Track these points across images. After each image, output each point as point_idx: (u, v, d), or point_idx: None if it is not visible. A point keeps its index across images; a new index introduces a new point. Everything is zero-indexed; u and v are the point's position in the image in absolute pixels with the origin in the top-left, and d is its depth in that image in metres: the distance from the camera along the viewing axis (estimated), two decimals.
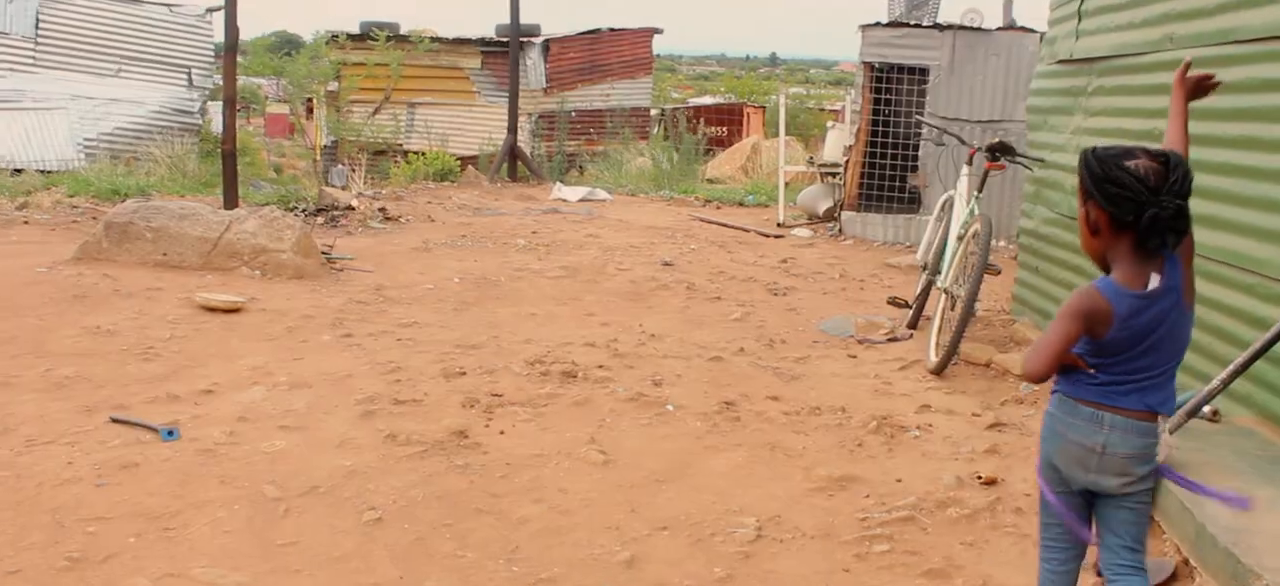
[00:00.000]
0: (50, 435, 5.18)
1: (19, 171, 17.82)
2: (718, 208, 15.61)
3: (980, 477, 4.98)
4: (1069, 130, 7.42)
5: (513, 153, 18.49)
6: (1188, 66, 3.23)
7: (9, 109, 19.81)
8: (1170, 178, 2.80)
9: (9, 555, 3.96)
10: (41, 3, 20.19)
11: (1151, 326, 2.91)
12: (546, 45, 24.32)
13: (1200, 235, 5.54)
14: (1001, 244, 11.14)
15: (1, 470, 4.71)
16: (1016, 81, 11.99)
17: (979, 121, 12.03)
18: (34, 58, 20.19)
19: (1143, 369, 2.95)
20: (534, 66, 23.97)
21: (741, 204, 15.94)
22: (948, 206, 8.05)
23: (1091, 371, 2.97)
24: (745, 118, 32.40)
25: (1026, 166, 7.79)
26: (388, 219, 12.81)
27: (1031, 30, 12.25)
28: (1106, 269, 2.94)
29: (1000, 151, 7.49)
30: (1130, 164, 2.82)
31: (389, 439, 5.25)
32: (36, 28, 20.14)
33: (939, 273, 7.58)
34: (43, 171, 18.02)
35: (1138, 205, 2.79)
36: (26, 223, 11.79)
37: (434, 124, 22.41)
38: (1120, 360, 2.94)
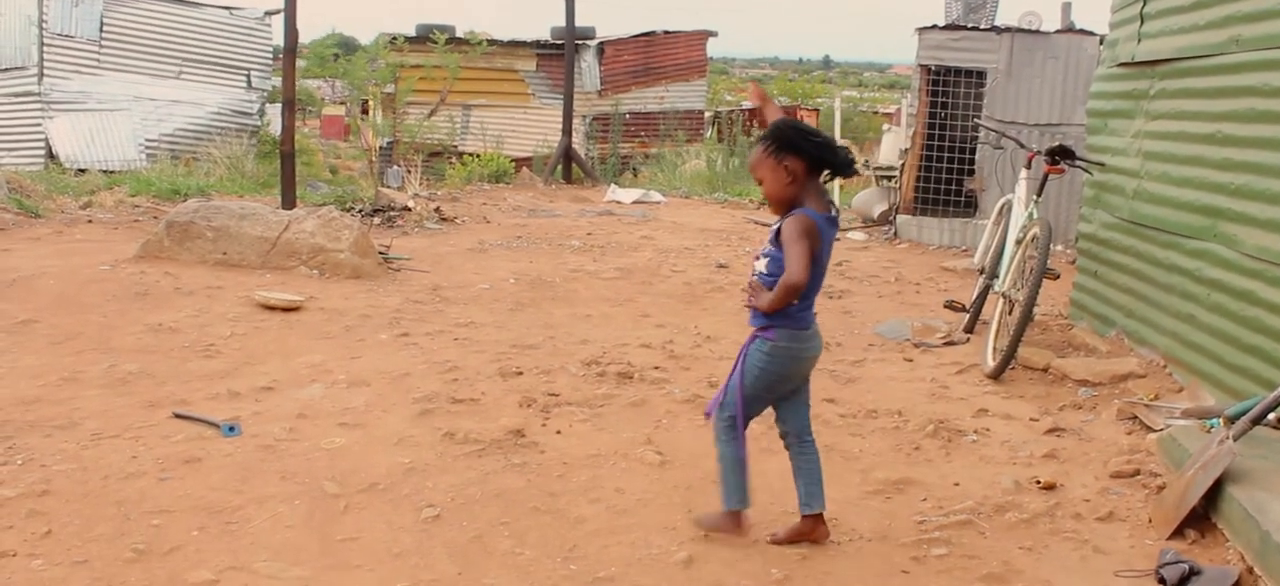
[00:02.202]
0: (115, 429, 5.27)
1: (83, 171, 18.12)
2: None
3: (1039, 482, 4.95)
4: (1130, 134, 7.35)
5: (567, 154, 18.56)
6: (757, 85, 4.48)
7: (74, 110, 20.15)
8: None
9: (77, 546, 4.04)
10: (106, 6, 20.50)
11: (830, 244, 4.02)
12: (601, 47, 24.37)
13: (1265, 238, 5.49)
14: (1057, 248, 11.04)
15: (68, 463, 4.80)
16: (1075, 85, 11.89)
17: (1036, 125, 11.94)
18: (98, 60, 20.51)
19: (816, 288, 4.07)
20: (589, 69, 24.03)
21: None
22: (1005, 210, 8.01)
23: (796, 303, 3.99)
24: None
25: (1086, 170, 7.72)
26: (443, 220, 12.90)
27: (1090, 33, 12.13)
28: (785, 211, 3.97)
29: (1060, 155, 7.44)
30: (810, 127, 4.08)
31: (447, 437, 5.30)
32: (101, 31, 20.46)
33: (996, 276, 7.53)
34: (106, 171, 18.30)
35: (834, 151, 3.99)
36: (90, 221, 11.97)
37: (489, 126, 22.52)
38: (811, 286, 3.98)
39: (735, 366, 4.19)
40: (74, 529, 4.18)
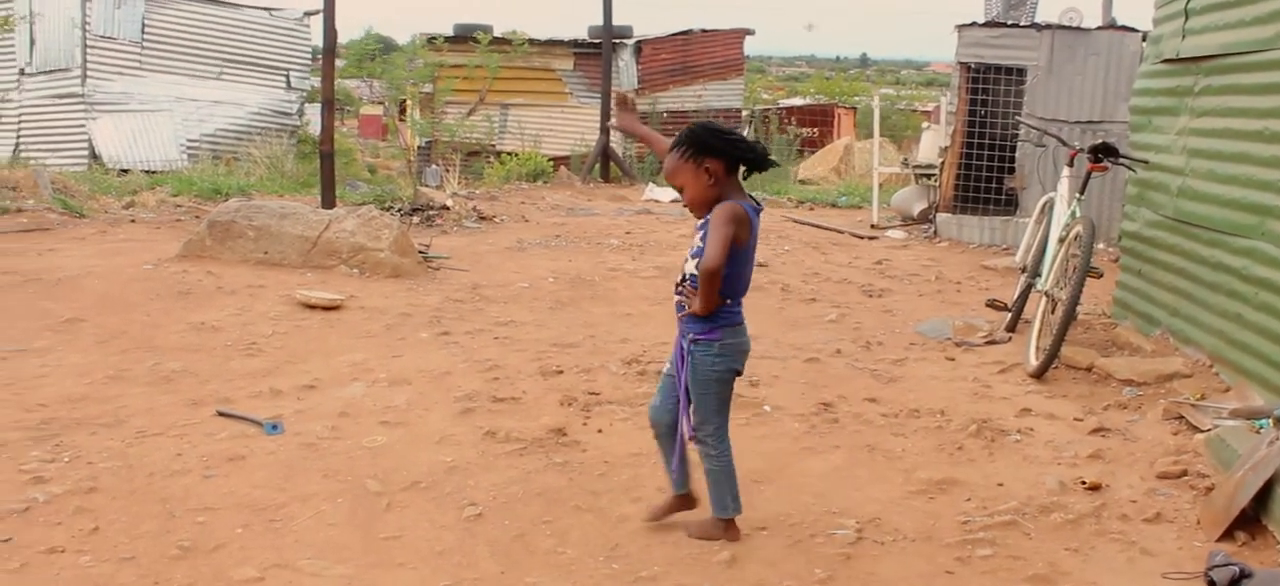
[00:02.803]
0: (159, 427, 5.32)
1: (125, 171, 18.31)
2: (810, 209, 15.55)
3: (1084, 483, 4.91)
4: (1174, 131, 7.28)
5: (605, 153, 18.58)
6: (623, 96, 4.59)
7: (117, 111, 20.34)
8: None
9: (124, 542, 4.07)
10: (147, 8, 20.68)
11: (757, 234, 4.07)
12: (638, 46, 24.36)
13: None
14: (1099, 247, 10.95)
15: (114, 461, 4.84)
16: (1117, 82, 11.78)
17: (1077, 122, 11.84)
18: (140, 61, 20.69)
19: (745, 283, 4.12)
20: (626, 67, 24.03)
21: (834, 205, 15.86)
22: (1047, 208, 7.95)
23: (727, 302, 4.03)
24: (836, 119, 32.19)
25: (1130, 168, 7.65)
26: (482, 219, 12.95)
27: (1133, 29, 12.02)
28: (706, 212, 3.97)
29: (1103, 153, 7.37)
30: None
31: (488, 436, 5.31)
32: (142, 32, 20.65)
33: (1039, 275, 7.47)
34: (148, 171, 18.49)
35: (750, 147, 4.02)
36: (133, 221, 12.10)
37: (527, 125, 22.55)
38: (741, 280, 4.06)
39: (683, 388, 4.18)
40: (121, 525, 4.22)
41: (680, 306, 4.14)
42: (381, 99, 29.43)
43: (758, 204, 4.08)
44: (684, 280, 4.11)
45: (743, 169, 4.06)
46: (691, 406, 4.19)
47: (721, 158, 3.95)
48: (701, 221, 4.02)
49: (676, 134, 4.07)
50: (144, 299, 7.93)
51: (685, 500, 4.37)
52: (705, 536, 4.24)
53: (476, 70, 18.23)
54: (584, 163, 18.94)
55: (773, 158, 4.16)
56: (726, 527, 4.25)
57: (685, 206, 4.08)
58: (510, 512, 4.47)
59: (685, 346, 4.13)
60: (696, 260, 3.99)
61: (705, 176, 3.94)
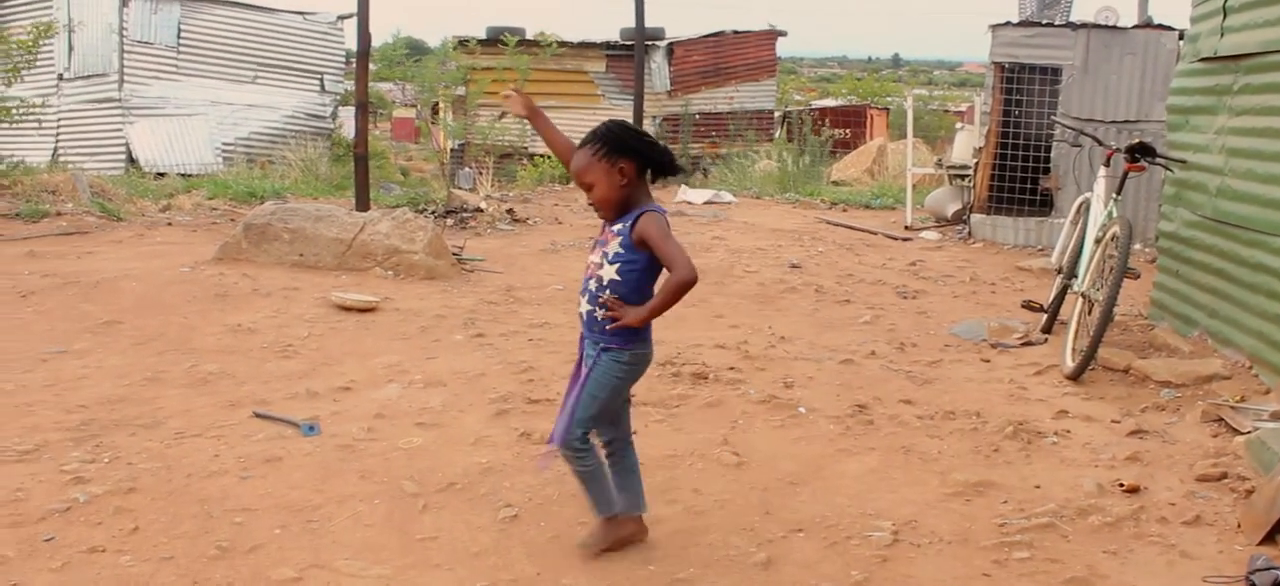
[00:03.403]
0: (197, 429, 5.36)
1: (162, 175, 18.47)
2: (844, 210, 15.51)
3: (1122, 485, 4.87)
4: (1213, 130, 7.22)
5: None
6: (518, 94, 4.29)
7: (153, 115, 20.53)
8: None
9: (163, 542, 4.11)
10: (183, 13, 20.86)
11: None
12: (671, 48, 24.38)
13: None
14: (1136, 247, 10.87)
15: (153, 461, 4.88)
16: (1153, 81, 11.71)
17: (1113, 122, 11.77)
18: (176, 66, 20.88)
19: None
20: (658, 69, 24.05)
21: (867, 207, 15.81)
22: (1083, 209, 7.90)
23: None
24: (869, 119, 32.12)
25: (1167, 168, 7.59)
26: (515, 221, 12.98)
27: (1169, 28, 11.94)
28: (619, 214, 3.87)
29: (1141, 152, 7.32)
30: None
31: (523, 437, 5.32)
32: (178, 37, 20.83)
33: (1075, 276, 7.43)
34: (184, 175, 18.66)
35: (664, 151, 3.92)
36: (170, 224, 12.19)
37: (560, 127, 22.56)
38: (654, 291, 3.92)
39: (580, 387, 3.99)
40: (160, 526, 4.25)
41: (592, 316, 3.95)
42: (414, 102, 29.57)
43: (664, 209, 3.95)
44: (602, 287, 3.91)
45: (650, 173, 3.93)
46: (573, 409, 3.98)
47: (635, 159, 3.85)
48: (618, 228, 3.86)
49: (589, 131, 3.96)
50: (181, 301, 7.99)
51: (637, 525, 4.23)
52: (602, 543, 4.11)
53: (508, 72, 18.27)
54: None
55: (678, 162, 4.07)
56: (614, 525, 4.13)
57: (590, 205, 3.94)
58: (546, 514, 4.48)
59: (594, 354, 3.97)
60: (616, 267, 3.86)
61: (618, 176, 3.83)
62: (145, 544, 4.09)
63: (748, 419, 5.74)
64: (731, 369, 6.61)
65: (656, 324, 7.62)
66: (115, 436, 5.19)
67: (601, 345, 3.93)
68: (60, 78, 20.60)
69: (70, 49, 20.44)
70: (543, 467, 4.27)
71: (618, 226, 3.87)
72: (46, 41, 14.58)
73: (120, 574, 3.85)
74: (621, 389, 4.03)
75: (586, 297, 3.95)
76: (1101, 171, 7.74)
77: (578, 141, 3.94)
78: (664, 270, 3.83)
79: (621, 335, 3.91)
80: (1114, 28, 12.22)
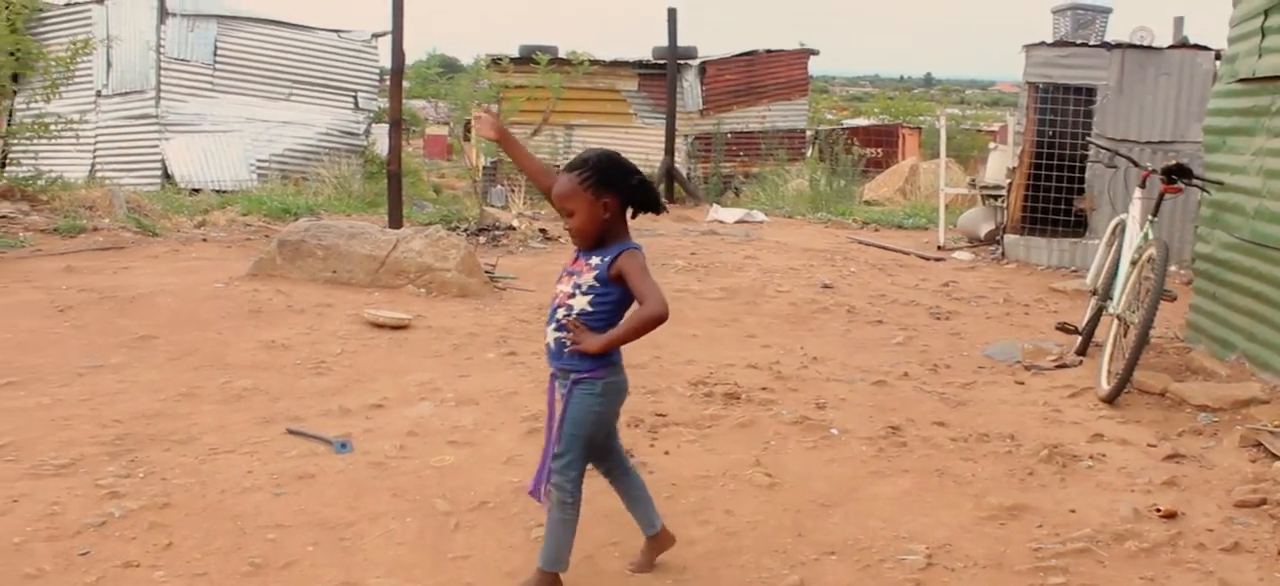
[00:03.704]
0: (231, 445, 5.38)
1: (197, 191, 18.60)
2: (876, 230, 15.47)
3: (1159, 510, 4.82)
4: (1250, 151, 7.16)
5: (669, 174, 18.60)
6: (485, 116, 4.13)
7: (189, 132, 20.68)
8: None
9: (197, 558, 4.12)
10: (220, 31, 21.02)
11: None
12: (703, 67, 24.38)
13: None
14: (1171, 269, 10.79)
15: (187, 477, 4.91)
16: (1189, 101, 11.63)
17: (1148, 143, 11.69)
18: (212, 83, 21.03)
19: None
20: (690, 88, 24.06)
21: (900, 226, 15.76)
22: (1119, 230, 7.84)
23: None
24: (901, 139, 32.05)
25: (1204, 189, 7.54)
26: (548, 239, 13.00)
27: (1206, 48, 11.86)
28: (596, 246, 3.81)
29: (1178, 174, 7.27)
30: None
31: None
32: (215, 55, 20.99)
33: (1110, 298, 7.38)
34: (218, 191, 18.77)
35: (650, 191, 3.88)
36: (205, 240, 12.28)
37: (591, 145, 22.60)
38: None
39: (558, 424, 3.88)
40: (193, 541, 4.27)
41: (560, 345, 3.85)
42: (447, 119, 29.72)
43: (640, 246, 3.85)
44: (570, 314, 3.82)
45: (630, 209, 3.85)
46: (558, 450, 3.88)
47: (620, 195, 3.78)
48: (595, 262, 3.78)
49: (578, 156, 3.88)
50: (216, 317, 8.04)
51: (662, 537, 4.22)
52: None
53: (541, 91, 18.33)
54: None
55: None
56: (549, 580, 3.93)
57: (568, 230, 3.84)
58: (578, 534, 4.46)
59: (566, 387, 3.87)
60: (588, 298, 3.78)
61: (600, 210, 3.75)
62: (179, 559, 4.11)
63: (780, 440, 5.72)
64: (764, 389, 6.59)
65: (688, 343, 7.64)
66: (150, 451, 5.22)
67: (573, 376, 3.84)
68: (98, 94, 20.79)
69: (108, 66, 20.61)
70: (542, 502, 4.04)
71: (595, 260, 3.79)
72: (85, 58, 14.71)
73: None
74: (603, 421, 3.93)
75: (553, 326, 3.87)
76: (1137, 192, 7.68)
77: (563, 164, 3.86)
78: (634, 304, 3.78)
79: (592, 363, 3.81)
80: (1149, 48, 12.15)
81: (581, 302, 3.79)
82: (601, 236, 3.79)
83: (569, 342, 3.80)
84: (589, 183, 3.73)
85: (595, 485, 4.93)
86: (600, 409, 3.88)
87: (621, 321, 3.80)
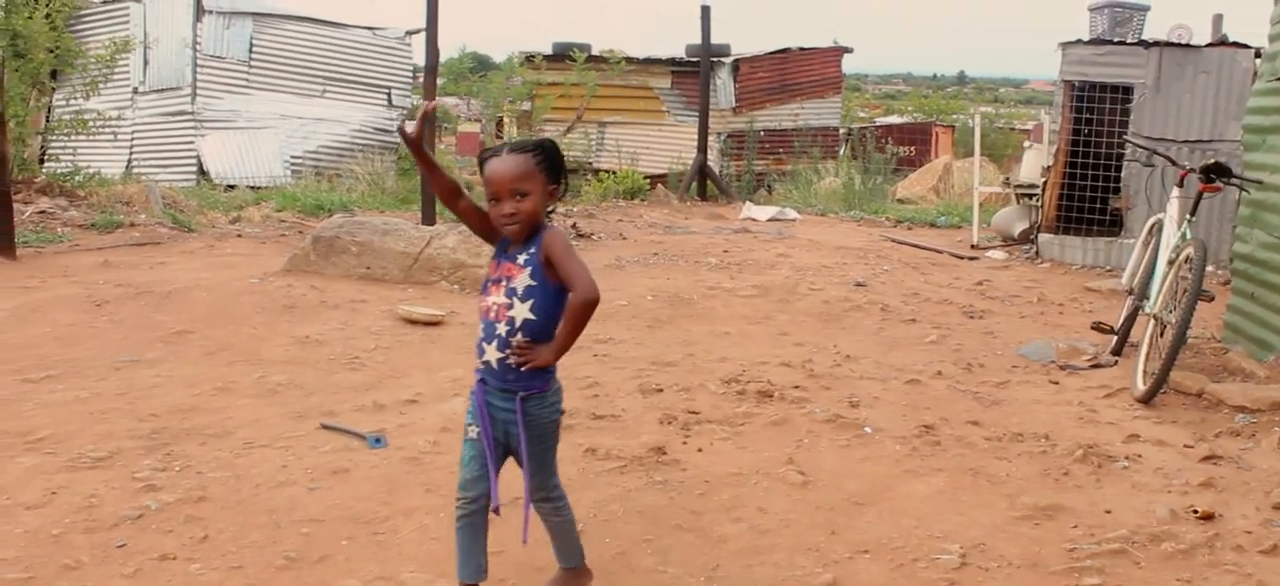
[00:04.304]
0: (265, 439, 5.42)
1: (232, 187, 18.72)
2: (909, 228, 15.41)
3: (1196, 511, 4.77)
4: None
5: (702, 172, 18.58)
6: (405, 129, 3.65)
7: (224, 128, 20.80)
8: None
9: (232, 551, 4.16)
10: (255, 29, 21.14)
11: None
12: (736, 65, 24.36)
13: None
14: (1208, 269, 10.69)
15: (222, 471, 4.94)
16: (1228, 100, 11.52)
17: (1186, 142, 11.60)
18: (247, 80, 21.15)
19: None
20: (723, 86, 24.04)
21: (933, 225, 15.70)
22: (1155, 229, 7.79)
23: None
24: (934, 137, 31.90)
25: (1243, 188, 7.47)
26: (580, 236, 13.01)
27: (1245, 46, 11.74)
28: (529, 236, 3.49)
29: (1216, 173, 7.20)
30: None
31: (588, 453, 5.32)
32: (250, 52, 21.10)
33: (1146, 298, 7.32)
34: (253, 187, 18.89)
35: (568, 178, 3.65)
36: (239, 236, 12.36)
37: (624, 143, 22.64)
38: None
39: (524, 451, 3.60)
40: (229, 535, 4.30)
41: (504, 365, 3.52)
42: (479, 116, 29.81)
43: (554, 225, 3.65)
44: (514, 330, 3.49)
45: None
46: (533, 474, 3.66)
47: (558, 186, 3.55)
48: (524, 259, 3.48)
49: (514, 141, 3.62)
50: (250, 312, 8.09)
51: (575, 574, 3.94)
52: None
53: (574, 88, 18.39)
54: (681, 181, 18.95)
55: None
56: (580, 575, 3.93)
57: (508, 216, 3.44)
58: (611, 530, 4.48)
59: (512, 406, 3.56)
60: (529, 304, 3.47)
61: (548, 199, 3.50)
62: (215, 552, 4.14)
63: (813, 438, 5.70)
64: (796, 387, 6.58)
65: (721, 340, 7.63)
66: (186, 445, 5.27)
67: (520, 394, 3.53)
68: (135, 91, 20.94)
69: (145, 63, 20.77)
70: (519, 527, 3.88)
71: (522, 258, 3.48)
72: (123, 56, 14.84)
73: (190, 582, 3.90)
74: (556, 423, 3.69)
75: (495, 344, 3.51)
76: (1175, 192, 7.63)
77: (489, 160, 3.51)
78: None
79: (541, 376, 3.54)
80: (1187, 46, 12.05)
81: (522, 311, 3.48)
82: (536, 228, 3.49)
83: (514, 360, 3.49)
84: (543, 165, 3.48)
85: (629, 482, 4.95)
86: (556, 415, 3.67)
87: (562, 321, 3.51)
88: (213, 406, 5.93)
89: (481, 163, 3.55)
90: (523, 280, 3.47)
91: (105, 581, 3.88)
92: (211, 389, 6.26)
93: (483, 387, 3.59)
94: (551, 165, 3.50)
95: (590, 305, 3.39)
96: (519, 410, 3.54)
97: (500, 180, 3.44)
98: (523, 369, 3.49)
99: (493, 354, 3.52)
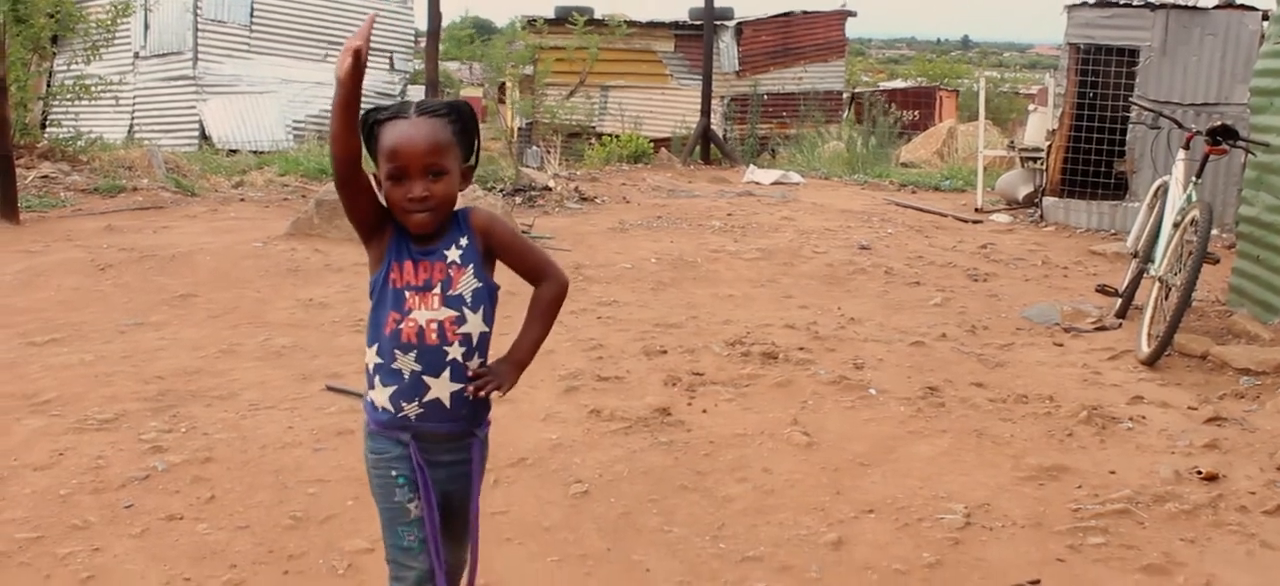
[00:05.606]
0: (271, 401, 5.43)
1: (234, 152, 18.71)
2: (913, 192, 15.38)
3: (1199, 472, 4.78)
4: None
5: (706, 135, 18.53)
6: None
7: (226, 93, 20.79)
8: None
9: (239, 511, 4.18)
10: None
11: None
12: (739, 28, 24.28)
13: None
14: (1213, 232, 10.66)
15: (228, 432, 4.96)
16: (1234, 63, 11.46)
17: (1192, 105, 11.55)
18: (248, 45, 21.12)
19: None
20: (727, 49, 23.96)
21: (937, 189, 15.66)
22: (1161, 192, 7.77)
23: None
24: (938, 102, 31.82)
25: (1249, 151, 7.45)
26: (583, 199, 13.00)
27: (1252, 8, 11.67)
28: (437, 221, 2.63)
29: (1223, 135, 7.18)
30: None
31: (593, 414, 5.33)
32: (251, 16, 21.07)
33: (1151, 260, 7.31)
34: (255, 152, 18.86)
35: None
36: (242, 200, 12.35)
37: (627, 107, 22.60)
38: None
39: (474, 499, 2.84)
40: (236, 495, 4.32)
41: (458, 403, 2.70)
42: (482, 81, 29.79)
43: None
44: (471, 351, 2.70)
45: None
46: (472, 528, 2.87)
47: (472, 167, 2.75)
48: (457, 255, 2.68)
49: (424, 101, 2.76)
50: (254, 276, 8.10)
51: None
52: None
53: (577, 52, 18.32)
54: (685, 145, 18.91)
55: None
56: None
57: (417, 201, 2.59)
58: (616, 490, 4.49)
59: (461, 456, 2.79)
60: (480, 312, 2.71)
61: (464, 177, 2.71)
62: (222, 512, 4.16)
63: (818, 399, 5.71)
64: (801, 349, 6.58)
65: (725, 303, 7.63)
66: (192, 407, 5.28)
67: (478, 431, 2.82)
68: (136, 56, 20.92)
69: (146, 28, 20.74)
70: None
71: (455, 252, 2.68)
72: (123, 21, 14.81)
73: (198, 541, 3.92)
74: None
75: (447, 375, 2.67)
76: (1181, 154, 7.60)
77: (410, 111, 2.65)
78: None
79: (485, 406, 2.81)
80: (1194, 8, 11.98)
81: (477, 324, 2.71)
82: (451, 209, 2.69)
83: (478, 390, 2.70)
84: (460, 136, 2.67)
85: (634, 443, 4.96)
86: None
87: (529, 321, 2.84)
88: (218, 369, 5.94)
89: (369, 126, 2.64)
90: (467, 282, 2.69)
91: (113, 541, 3.89)
92: (216, 351, 6.27)
93: (418, 447, 2.70)
94: (468, 135, 2.69)
95: (563, 297, 2.86)
96: (475, 453, 2.79)
97: (410, 153, 2.58)
98: (485, 393, 2.71)
99: (443, 389, 2.67)
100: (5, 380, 5.61)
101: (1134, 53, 11.93)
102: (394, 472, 2.69)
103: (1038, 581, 3.80)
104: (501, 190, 12.79)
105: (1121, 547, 4.09)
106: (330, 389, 5.65)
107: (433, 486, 2.70)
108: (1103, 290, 7.90)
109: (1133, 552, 4.05)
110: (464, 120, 2.66)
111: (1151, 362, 6.50)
